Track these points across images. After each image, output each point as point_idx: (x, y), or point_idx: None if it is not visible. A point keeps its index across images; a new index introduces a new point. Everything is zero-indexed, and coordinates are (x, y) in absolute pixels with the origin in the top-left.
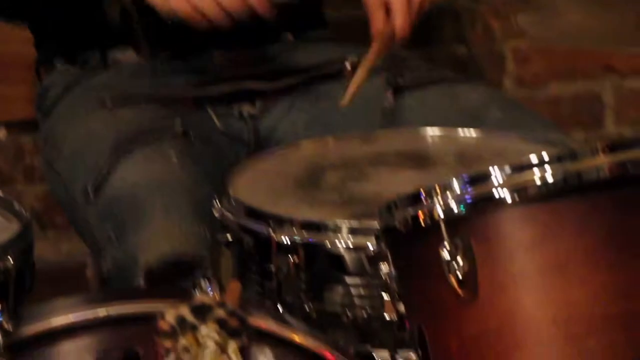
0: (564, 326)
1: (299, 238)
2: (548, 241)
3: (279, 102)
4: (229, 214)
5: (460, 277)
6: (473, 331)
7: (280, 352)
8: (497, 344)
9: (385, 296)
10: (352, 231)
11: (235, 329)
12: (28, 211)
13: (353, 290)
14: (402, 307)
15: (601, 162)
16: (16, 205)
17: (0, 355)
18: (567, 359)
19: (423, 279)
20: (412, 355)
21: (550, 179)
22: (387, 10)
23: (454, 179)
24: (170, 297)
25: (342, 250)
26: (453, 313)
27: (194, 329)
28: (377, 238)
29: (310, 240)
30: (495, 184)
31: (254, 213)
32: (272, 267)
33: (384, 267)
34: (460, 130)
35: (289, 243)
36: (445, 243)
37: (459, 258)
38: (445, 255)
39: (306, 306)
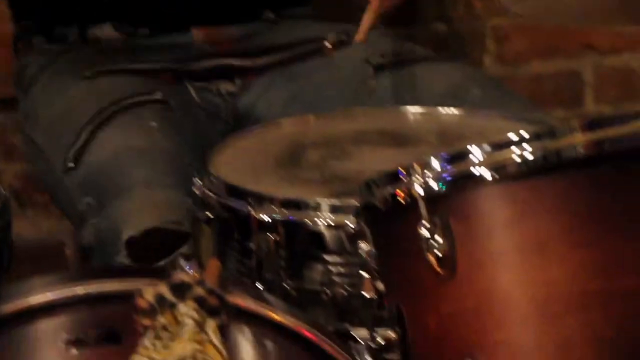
0: (542, 304)
1: (279, 216)
2: (527, 219)
3: (258, 80)
4: (209, 192)
5: (438, 255)
6: (451, 309)
7: (259, 330)
8: (476, 322)
9: (365, 274)
10: (333, 209)
11: (214, 308)
12: (7, 189)
13: (332, 269)
14: (381, 286)
15: (580, 140)
16: None
17: None
18: (545, 337)
19: (402, 257)
20: (391, 333)
21: (529, 157)
22: None
23: (433, 157)
24: (149, 275)
25: (322, 228)
26: (431, 291)
27: (172, 307)
28: (356, 216)
29: (290, 218)
30: (475, 162)
31: (234, 191)
32: (252, 245)
33: (364, 245)
34: (441, 108)
35: (269, 221)
36: (424, 221)
37: (437, 236)
38: (424, 233)
39: (285, 284)
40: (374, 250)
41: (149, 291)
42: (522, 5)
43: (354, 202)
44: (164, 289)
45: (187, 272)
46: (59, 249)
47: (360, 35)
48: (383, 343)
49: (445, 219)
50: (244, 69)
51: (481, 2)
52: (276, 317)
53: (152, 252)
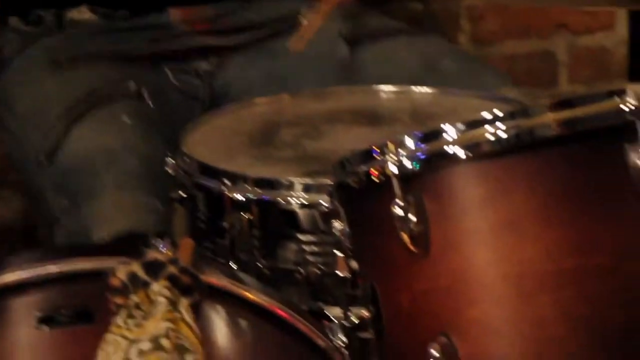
0: (515, 283)
1: (252, 195)
2: (501, 198)
3: (235, 59)
4: (182, 171)
5: (412, 233)
6: (425, 287)
7: (233, 309)
8: (449, 300)
9: (338, 253)
10: (306, 188)
11: (187, 286)
12: None
13: (306, 248)
14: (354, 264)
15: (553, 119)
16: None
17: None
18: (519, 315)
19: (376, 235)
20: (365, 312)
21: (503, 136)
22: None
23: (407, 135)
24: (122, 254)
25: (295, 207)
26: (405, 270)
27: (145, 285)
28: (330, 195)
29: (263, 197)
30: (449, 140)
31: (207, 170)
32: (226, 224)
33: (337, 224)
34: (414, 87)
35: (243, 200)
36: (398, 200)
37: (411, 215)
38: (398, 211)
39: (259, 263)
40: (347, 229)
41: (121, 270)
42: None
43: (328, 181)
44: (137, 268)
45: (160, 251)
46: (33, 229)
47: (300, 44)
48: (357, 321)
49: (419, 197)
50: (221, 47)
51: None
52: (250, 296)
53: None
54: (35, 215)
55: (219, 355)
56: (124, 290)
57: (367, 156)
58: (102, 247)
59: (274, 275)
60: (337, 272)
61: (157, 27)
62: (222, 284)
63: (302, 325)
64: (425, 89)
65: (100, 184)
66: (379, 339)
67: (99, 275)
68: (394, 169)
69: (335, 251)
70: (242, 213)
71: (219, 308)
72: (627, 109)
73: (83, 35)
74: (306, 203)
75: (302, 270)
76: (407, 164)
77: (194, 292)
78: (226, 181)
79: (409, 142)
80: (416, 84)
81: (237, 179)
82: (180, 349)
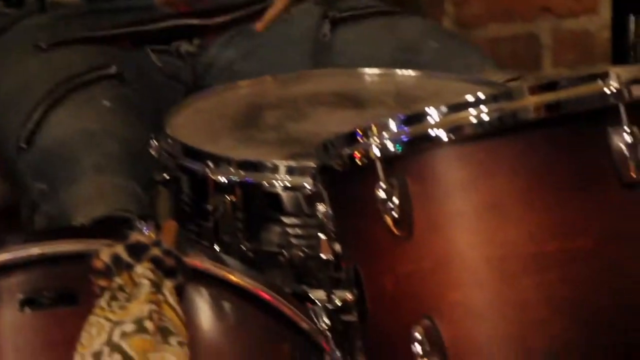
0: (499, 266)
1: (236, 177)
2: (484, 180)
3: (217, 39)
4: (166, 153)
5: (395, 216)
6: (408, 270)
7: (216, 292)
8: (432, 282)
9: (322, 236)
10: (290, 171)
11: (171, 268)
12: None
13: (290, 230)
14: (338, 247)
15: (536, 102)
16: None
17: None
18: (501, 298)
19: (359, 218)
20: (348, 294)
21: (485, 118)
22: None
23: (390, 118)
24: (105, 236)
25: (279, 189)
26: (388, 252)
27: (129, 267)
28: (314, 178)
29: (247, 179)
30: (432, 123)
31: (191, 152)
32: (209, 207)
33: (321, 207)
34: (398, 70)
35: (226, 182)
36: (381, 182)
37: (394, 197)
38: (381, 194)
39: (243, 246)
40: (331, 212)
41: (105, 252)
42: None
43: (311, 163)
44: (120, 250)
45: (143, 233)
46: (14, 210)
47: (262, 24)
48: (340, 304)
49: (402, 180)
50: (203, 28)
51: None
52: (233, 278)
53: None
54: (16, 197)
55: (202, 338)
56: (107, 273)
57: (350, 139)
58: (85, 230)
59: (258, 258)
60: (320, 254)
61: (139, 9)
62: (206, 266)
63: (286, 308)
64: (409, 72)
65: (80, 168)
66: (363, 321)
67: (82, 258)
68: (377, 151)
69: (319, 234)
70: (225, 195)
71: (203, 290)
72: (610, 92)
73: (65, 18)
74: (290, 186)
75: (285, 253)
76: (390, 146)
77: (178, 274)
78: (210, 163)
79: (392, 125)
80: (397, 65)
81: (220, 162)
82: (164, 331)
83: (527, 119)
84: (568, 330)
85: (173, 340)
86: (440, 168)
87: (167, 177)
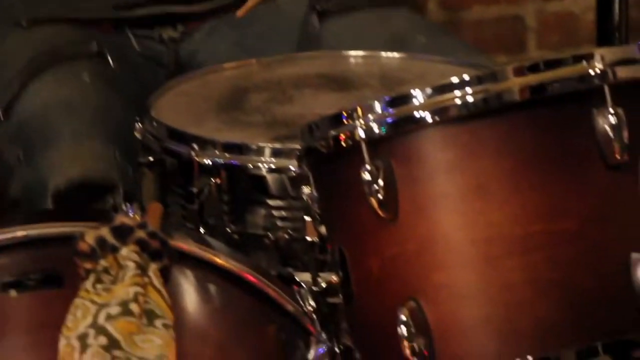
0: (483, 247)
1: (221, 160)
2: (468, 162)
3: (201, 27)
4: (150, 136)
5: (380, 198)
6: (393, 252)
7: (202, 274)
8: (418, 264)
9: (307, 218)
10: (275, 153)
11: (156, 251)
12: None
13: (275, 213)
14: (323, 229)
15: (521, 83)
16: None
17: None
18: (486, 279)
19: (344, 200)
20: (333, 276)
21: (470, 100)
22: None
23: (375, 100)
24: (90, 218)
25: (264, 172)
26: (373, 234)
27: (114, 250)
28: (299, 160)
29: (232, 162)
30: (416, 105)
31: (176, 134)
32: (194, 189)
33: (306, 189)
34: (383, 53)
35: (211, 165)
36: (366, 164)
37: (379, 179)
38: (366, 176)
39: (228, 228)
40: (316, 194)
41: (90, 234)
42: None
43: (297, 146)
44: (106, 232)
45: (128, 216)
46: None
47: (242, 11)
48: (325, 286)
49: (387, 162)
50: (186, 15)
51: None
52: (219, 261)
53: (78, 204)
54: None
55: (188, 320)
56: (92, 255)
57: (335, 121)
58: (70, 211)
59: (243, 240)
60: (306, 237)
61: None
62: (191, 249)
63: (271, 290)
64: (393, 54)
65: (57, 134)
66: (348, 304)
67: (68, 240)
68: (362, 133)
69: (304, 216)
70: (211, 178)
71: (188, 273)
72: (594, 74)
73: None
74: (275, 168)
75: (271, 235)
76: (376, 128)
77: (163, 256)
78: (195, 146)
79: (377, 107)
80: None
81: (205, 144)
82: (149, 314)
83: (511, 101)
84: (553, 311)
85: (158, 323)
86: (425, 150)
87: (152, 160)
